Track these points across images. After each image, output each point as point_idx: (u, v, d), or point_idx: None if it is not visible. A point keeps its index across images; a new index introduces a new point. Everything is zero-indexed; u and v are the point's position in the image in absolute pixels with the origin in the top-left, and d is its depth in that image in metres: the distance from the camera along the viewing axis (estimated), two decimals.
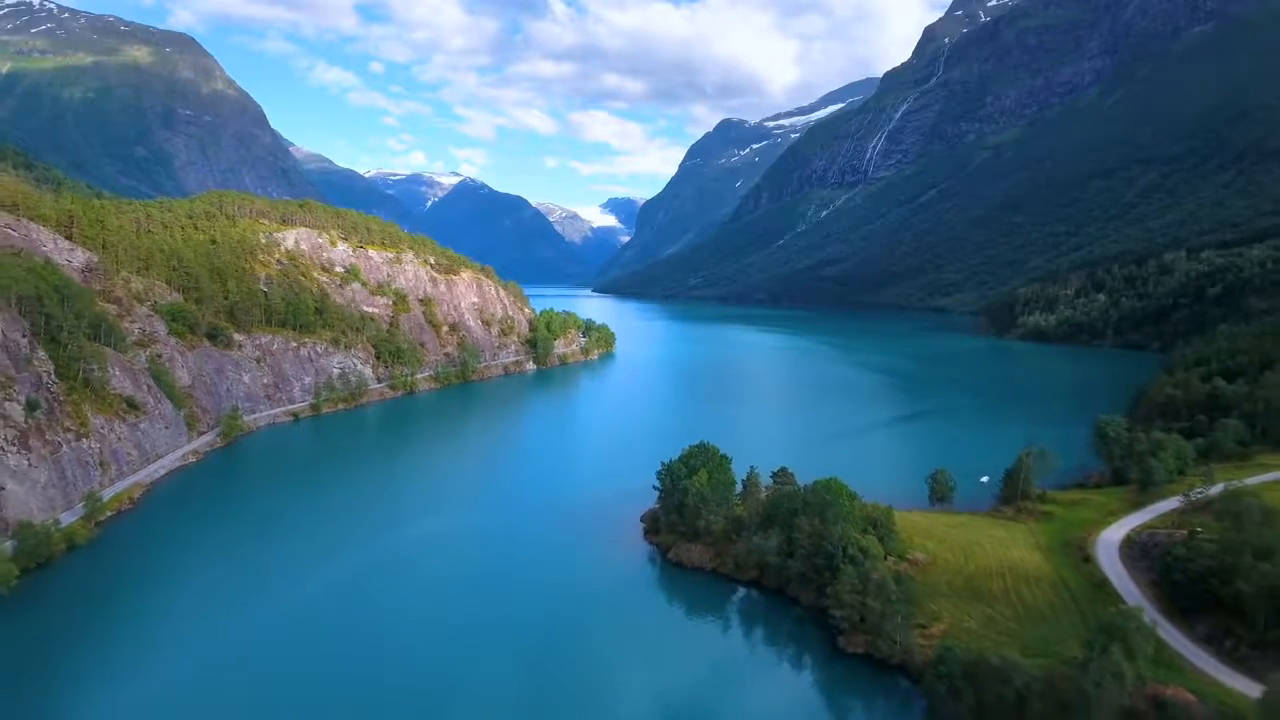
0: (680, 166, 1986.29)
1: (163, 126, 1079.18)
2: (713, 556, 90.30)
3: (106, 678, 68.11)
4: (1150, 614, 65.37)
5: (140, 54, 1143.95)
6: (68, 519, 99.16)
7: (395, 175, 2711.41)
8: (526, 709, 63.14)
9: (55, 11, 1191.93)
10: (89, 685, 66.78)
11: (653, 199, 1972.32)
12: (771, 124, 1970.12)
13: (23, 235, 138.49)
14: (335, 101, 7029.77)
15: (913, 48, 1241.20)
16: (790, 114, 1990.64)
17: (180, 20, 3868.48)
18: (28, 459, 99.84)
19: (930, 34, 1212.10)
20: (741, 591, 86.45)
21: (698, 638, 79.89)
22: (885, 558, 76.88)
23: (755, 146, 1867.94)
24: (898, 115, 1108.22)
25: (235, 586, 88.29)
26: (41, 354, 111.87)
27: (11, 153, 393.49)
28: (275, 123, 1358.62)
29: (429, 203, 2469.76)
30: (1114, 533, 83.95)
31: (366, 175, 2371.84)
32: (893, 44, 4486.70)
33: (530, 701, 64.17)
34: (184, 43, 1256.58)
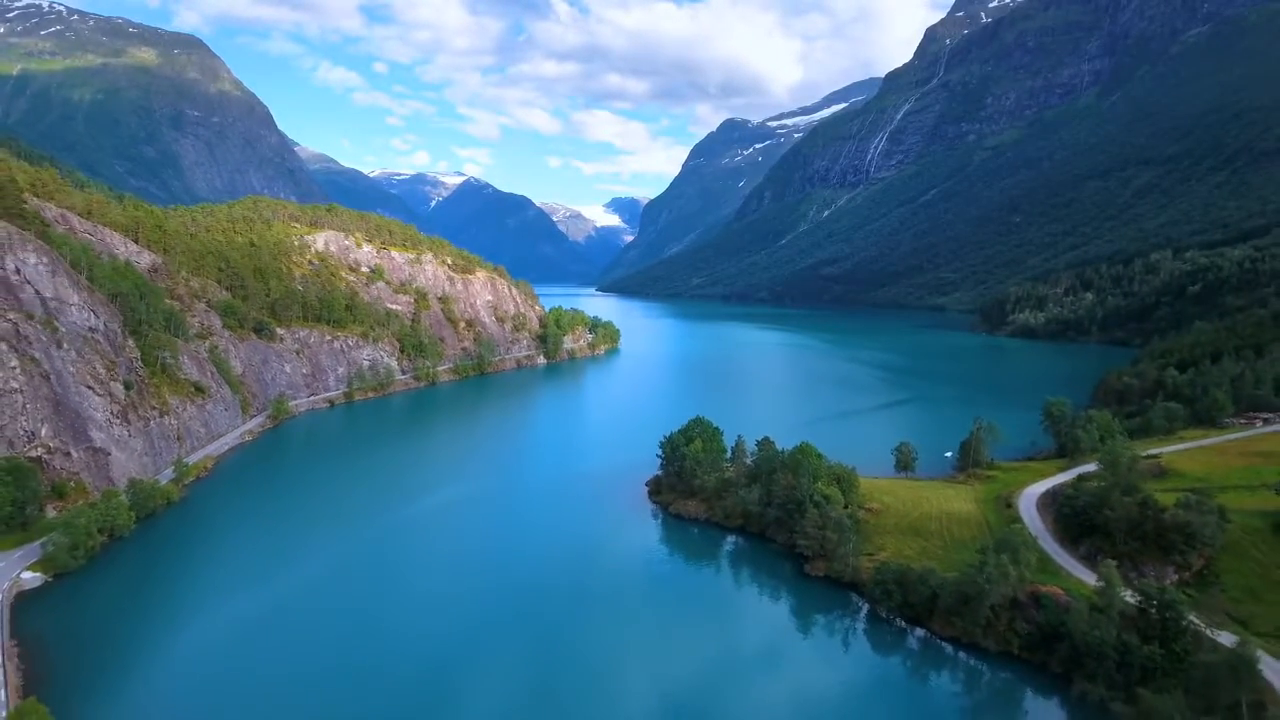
0: (683, 166, 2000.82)
1: (171, 127, 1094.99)
2: (706, 509, 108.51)
3: (208, 600, 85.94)
4: (1047, 541, 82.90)
5: (147, 55, 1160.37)
6: (162, 480, 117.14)
7: (399, 175, 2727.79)
8: (550, 630, 79.01)
9: (64, 14, 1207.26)
10: (196, 605, 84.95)
11: (656, 198, 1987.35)
12: (774, 123, 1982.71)
13: (99, 239, 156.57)
14: (339, 101, 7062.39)
15: (914, 48, 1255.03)
16: (793, 113, 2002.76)
17: (185, 21, 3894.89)
18: (128, 430, 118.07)
19: (932, 35, 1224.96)
20: (729, 536, 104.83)
21: (694, 572, 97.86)
22: (845, 506, 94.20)
23: (758, 146, 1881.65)
24: (899, 116, 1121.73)
25: (295, 539, 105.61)
26: (130, 343, 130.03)
27: (36, 157, 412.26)
28: (280, 123, 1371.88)
29: (433, 202, 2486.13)
30: (1037, 488, 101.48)
31: (371, 175, 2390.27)
32: (895, 44, 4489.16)
33: (553, 625, 79.93)
34: (191, 44, 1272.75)
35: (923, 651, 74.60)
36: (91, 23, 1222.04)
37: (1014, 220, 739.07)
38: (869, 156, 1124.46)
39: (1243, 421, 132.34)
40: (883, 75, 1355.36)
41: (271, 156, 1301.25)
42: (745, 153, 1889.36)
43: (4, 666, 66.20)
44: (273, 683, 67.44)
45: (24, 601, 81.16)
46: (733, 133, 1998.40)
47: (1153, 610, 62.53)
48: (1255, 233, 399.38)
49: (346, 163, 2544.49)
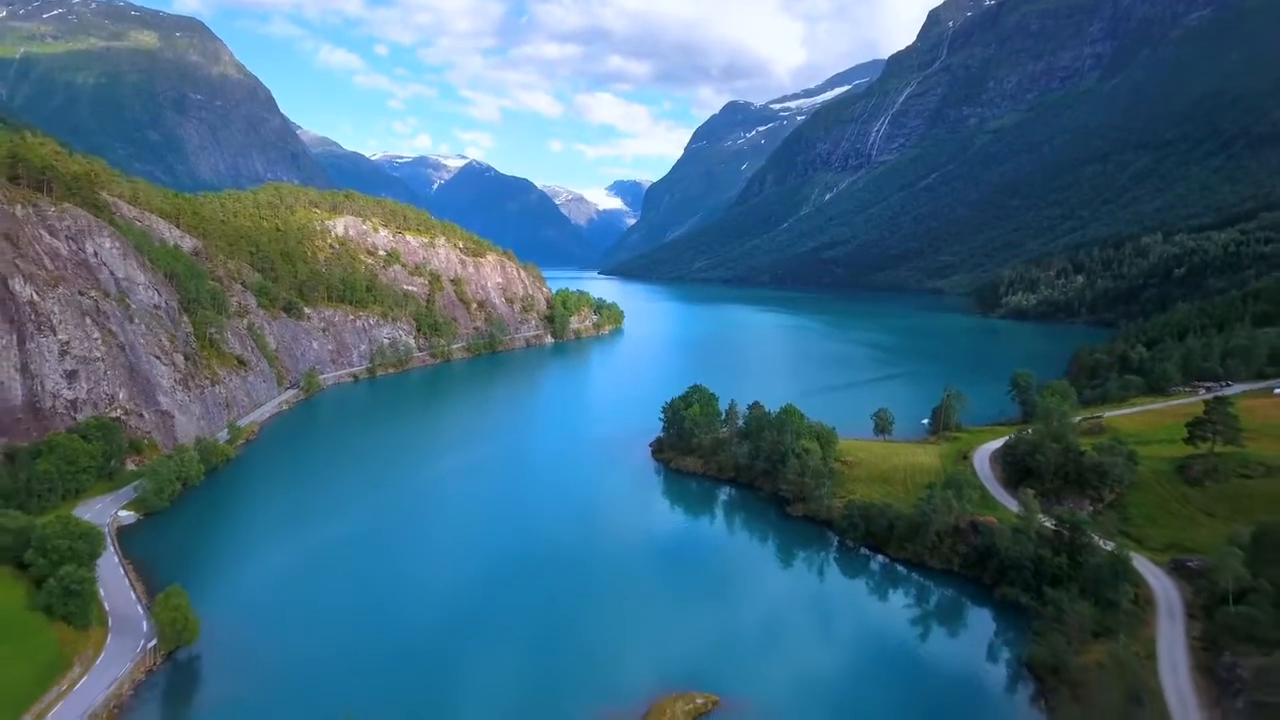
0: (686, 149, 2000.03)
1: (174, 111, 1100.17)
2: (703, 464, 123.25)
3: (270, 536, 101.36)
4: (993, 485, 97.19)
5: (148, 39, 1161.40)
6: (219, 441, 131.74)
7: (401, 158, 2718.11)
8: (568, 567, 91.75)
9: None
10: (262, 539, 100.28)
11: (659, 182, 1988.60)
12: (778, 106, 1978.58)
13: (146, 225, 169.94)
14: (340, 84, 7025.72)
15: (917, 31, 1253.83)
16: (796, 96, 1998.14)
17: (185, 4, 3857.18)
18: (188, 396, 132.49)
19: (935, 18, 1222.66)
20: (723, 487, 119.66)
21: (692, 517, 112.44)
22: (823, 459, 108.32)
23: (761, 129, 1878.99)
24: (901, 99, 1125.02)
25: (336, 492, 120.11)
26: (185, 319, 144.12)
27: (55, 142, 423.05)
28: (282, 106, 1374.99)
29: (435, 185, 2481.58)
30: (993, 445, 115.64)
31: (373, 158, 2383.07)
32: (898, 27, 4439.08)
33: (570, 563, 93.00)
34: (191, 27, 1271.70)
35: (882, 573, 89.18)
36: (93, 6, 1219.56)
37: (1013, 204, 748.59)
38: (871, 140, 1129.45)
39: (1188, 389, 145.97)
40: (885, 58, 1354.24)
41: (274, 140, 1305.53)
42: (748, 135, 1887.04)
43: (128, 575, 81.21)
44: (322, 600, 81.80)
45: (125, 534, 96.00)
46: (735, 115, 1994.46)
47: (1064, 531, 76.68)
48: (1244, 217, 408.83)
49: (349, 146, 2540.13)
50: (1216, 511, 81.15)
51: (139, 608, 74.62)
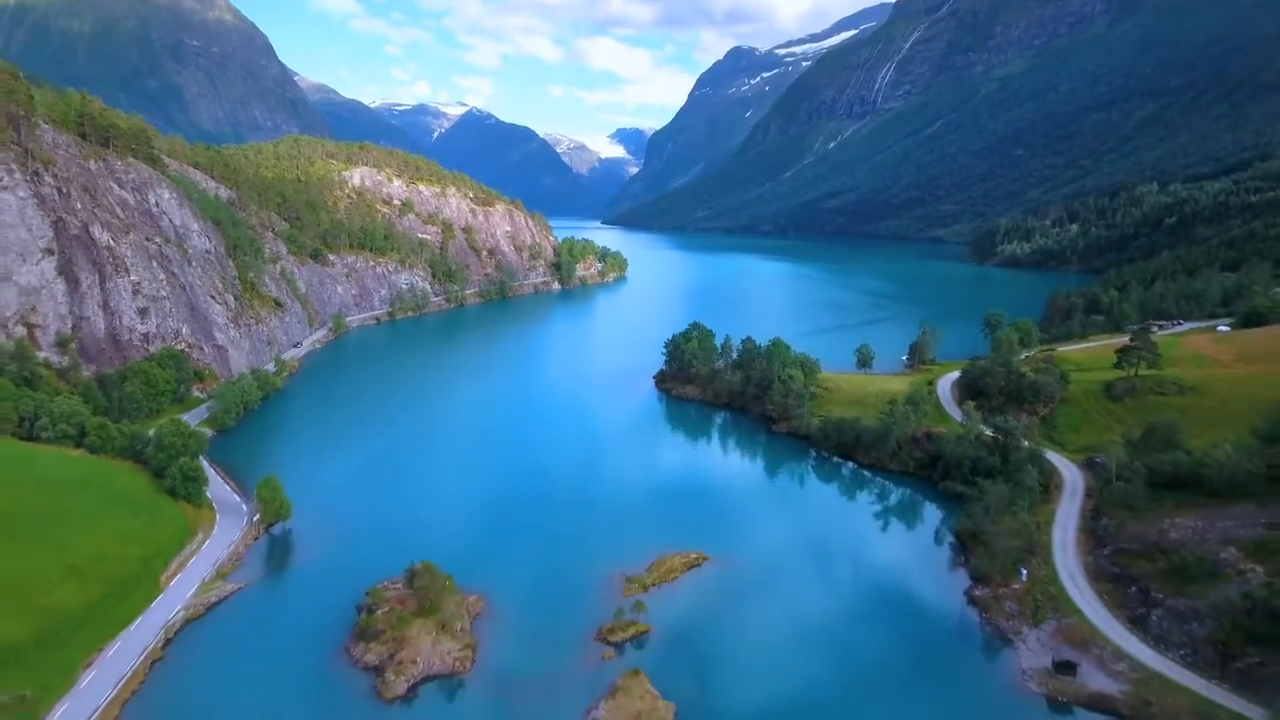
0: (689, 96, 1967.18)
1: (172, 59, 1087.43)
2: (700, 391, 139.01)
3: (325, 449, 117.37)
4: (951, 405, 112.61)
5: None
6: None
7: (400, 106, 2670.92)
8: (583, 466, 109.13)
9: None
10: (319, 452, 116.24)
11: (661, 129, 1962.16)
12: (783, 51, 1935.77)
13: (185, 176, 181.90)
14: (337, 29, 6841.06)
15: None
16: (802, 41, 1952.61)
17: None
18: (238, 333, 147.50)
19: None
20: (718, 411, 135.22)
21: (690, 435, 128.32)
22: (805, 384, 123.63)
23: (766, 75, 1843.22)
24: (907, 45, 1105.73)
25: (378, 413, 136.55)
26: (230, 263, 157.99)
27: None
28: (279, 52, 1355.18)
29: (435, 134, 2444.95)
30: (956, 374, 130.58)
31: (372, 106, 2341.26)
32: None
33: (585, 463, 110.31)
34: None
35: (851, 476, 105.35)
36: None
37: (1016, 153, 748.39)
38: (876, 87, 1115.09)
39: (1142, 328, 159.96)
40: (893, 2, 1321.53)
41: (273, 88, 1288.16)
42: (752, 82, 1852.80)
43: (219, 473, 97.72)
44: (382, 492, 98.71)
45: None
46: (739, 61, 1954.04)
47: (1000, 436, 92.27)
48: (1239, 166, 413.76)
49: (347, 94, 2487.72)
50: (1129, 421, 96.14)
51: (235, 496, 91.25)
